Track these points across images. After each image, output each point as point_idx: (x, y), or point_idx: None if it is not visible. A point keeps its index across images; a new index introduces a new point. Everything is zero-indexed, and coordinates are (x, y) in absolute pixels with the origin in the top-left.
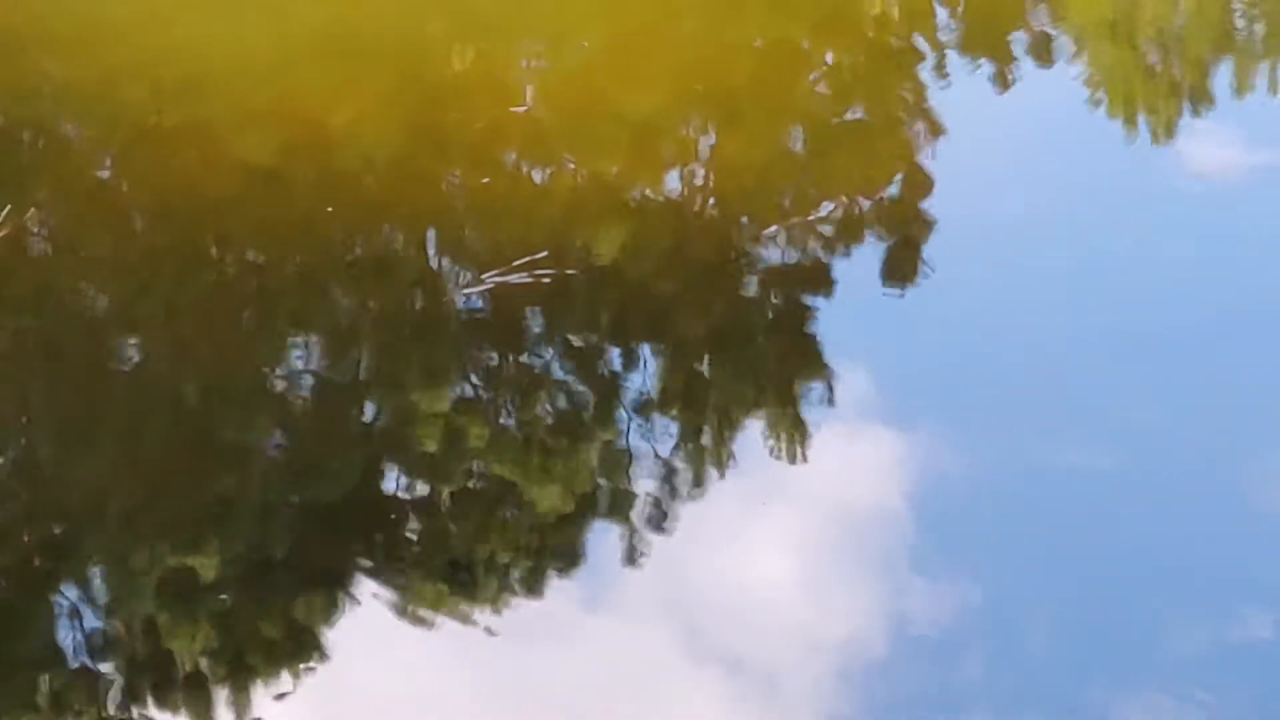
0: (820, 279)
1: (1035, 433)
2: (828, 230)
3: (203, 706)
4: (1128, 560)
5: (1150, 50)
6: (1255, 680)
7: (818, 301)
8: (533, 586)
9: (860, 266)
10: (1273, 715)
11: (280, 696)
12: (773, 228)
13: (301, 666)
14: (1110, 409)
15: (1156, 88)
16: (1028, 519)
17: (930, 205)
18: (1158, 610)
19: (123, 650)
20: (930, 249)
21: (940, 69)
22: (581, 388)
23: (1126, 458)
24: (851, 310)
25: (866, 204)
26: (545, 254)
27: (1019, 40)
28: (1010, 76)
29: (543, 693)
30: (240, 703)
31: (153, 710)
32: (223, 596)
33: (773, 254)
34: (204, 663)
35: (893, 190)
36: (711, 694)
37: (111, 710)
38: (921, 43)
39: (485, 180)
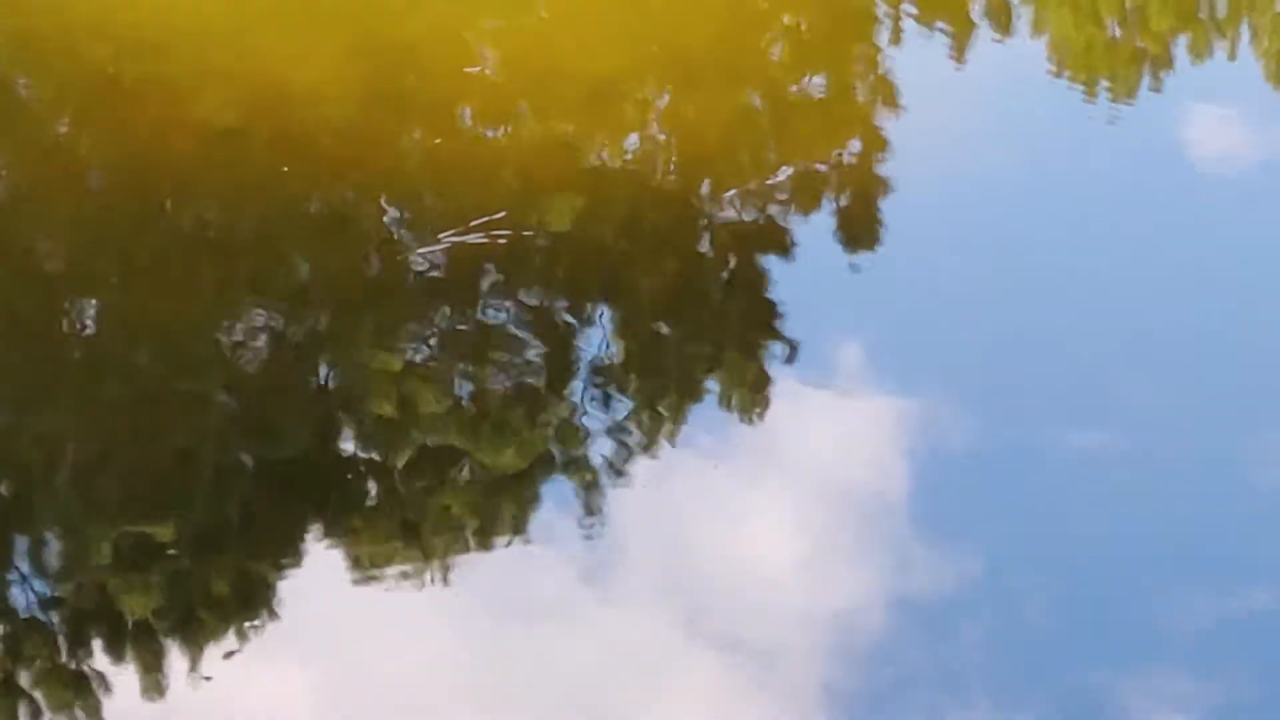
0: (781, 242)
1: (1033, 408)
2: (787, 194)
3: (154, 667)
4: (1128, 537)
5: (1111, 17)
6: (1257, 658)
7: (783, 266)
8: (485, 549)
9: (822, 231)
10: (1274, 692)
11: (229, 655)
12: (733, 190)
13: (254, 628)
14: (1107, 384)
15: (1117, 54)
16: (1027, 495)
17: (897, 170)
18: (1159, 588)
19: (75, 611)
20: (900, 214)
21: (900, 33)
22: (538, 349)
23: (1125, 433)
24: (822, 277)
25: (827, 168)
26: (503, 215)
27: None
28: (970, 42)
29: (496, 652)
30: (192, 663)
31: (103, 669)
32: (175, 557)
33: (732, 216)
34: (155, 623)
35: (855, 154)
36: (700, 672)
37: (64, 668)
38: (883, 6)
39: (442, 141)
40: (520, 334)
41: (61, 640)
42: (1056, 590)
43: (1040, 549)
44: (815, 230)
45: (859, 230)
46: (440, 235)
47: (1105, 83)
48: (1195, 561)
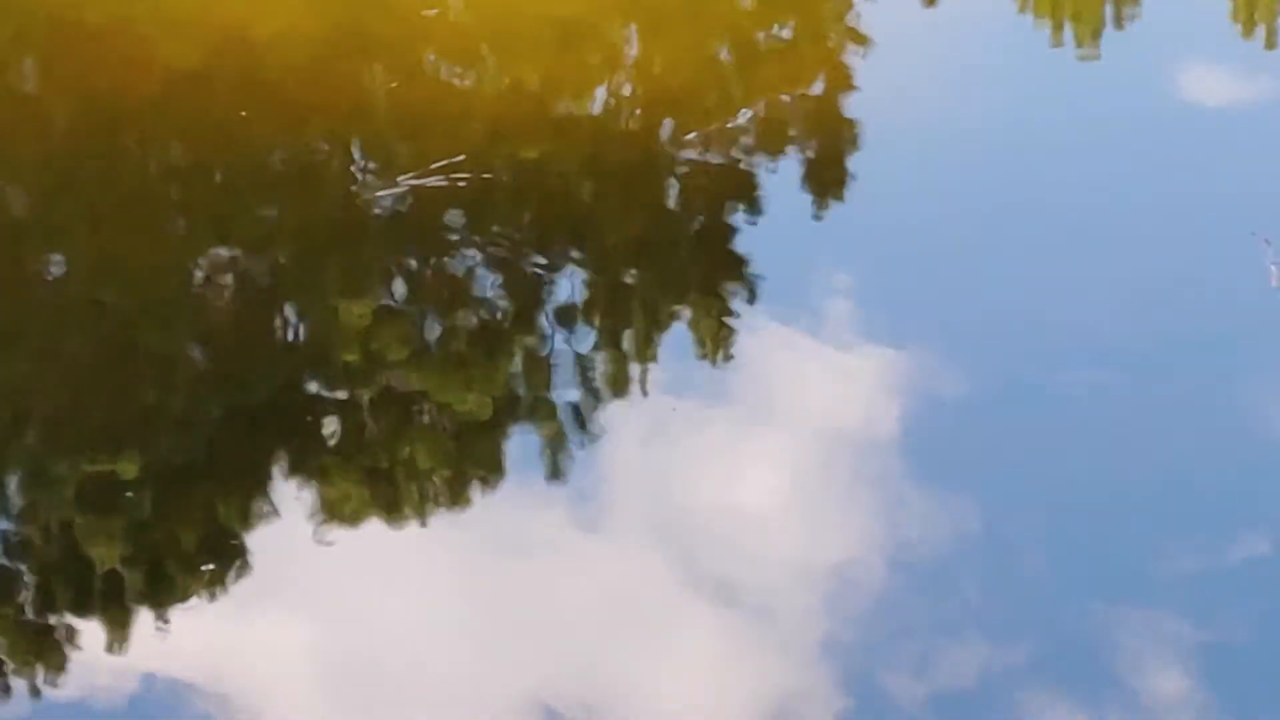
0: (750, 185)
1: (1024, 350)
2: (755, 137)
3: (121, 611)
4: (1122, 481)
5: None
6: (1252, 601)
7: (756, 210)
8: (456, 494)
9: (797, 174)
10: (1269, 636)
11: (211, 601)
12: (696, 133)
13: (223, 572)
14: (1100, 325)
15: None
16: (1019, 438)
17: (875, 110)
18: (1154, 531)
19: (41, 555)
20: (882, 156)
21: None
22: (500, 293)
23: (1118, 375)
24: (804, 220)
25: (797, 109)
26: (463, 158)
27: None
28: None
29: (482, 596)
30: (158, 608)
31: (69, 616)
32: (141, 501)
33: (698, 158)
34: (123, 568)
35: (824, 95)
36: (691, 617)
37: (29, 615)
38: None
39: (403, 84)
40: (491, 277)
41: (26, 588)
42: (1051, 534)
43: (1033, 493)
44: (789, 173)
45: (833, 173)
46: (401, 178)
47: (1072, 23)
48: (1190, 504)
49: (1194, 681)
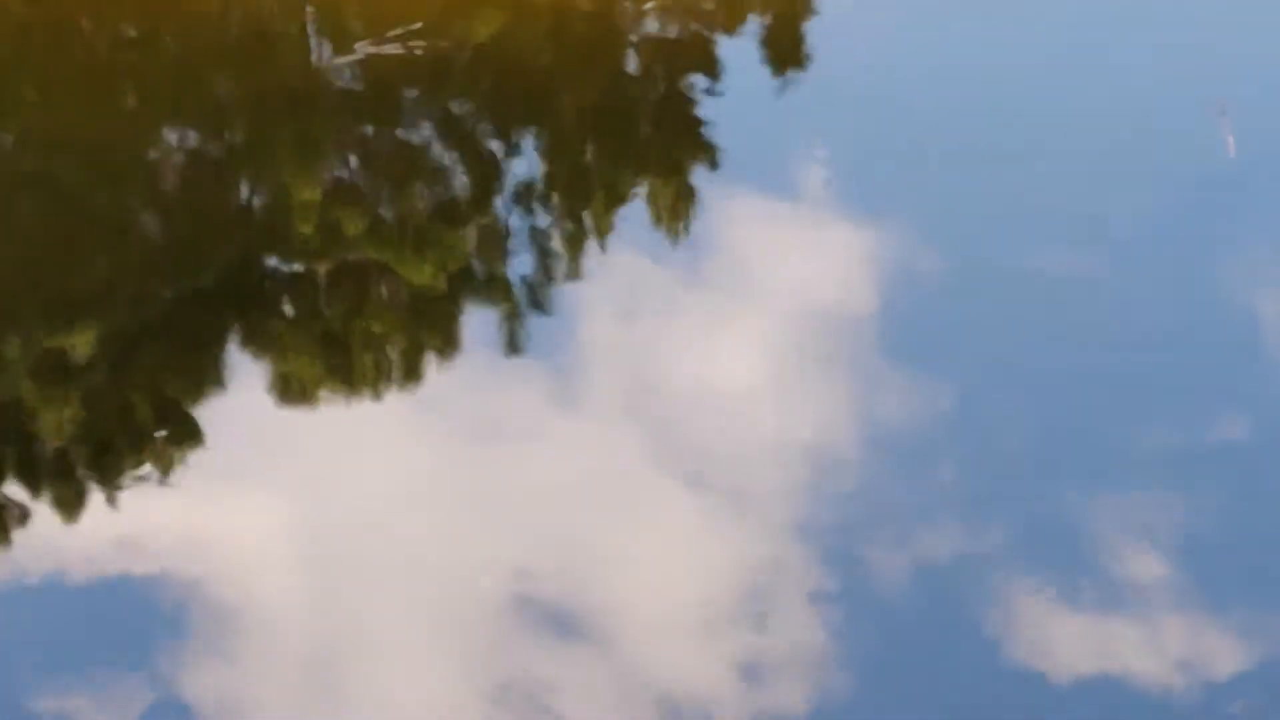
0: (707, 56)
1: (1003, 229)
2: (712, 3)
3: (74, 485)
4: (1098, 361)
5: None
6: (1224, 483)
7: (711, 80)
8: (410, 369)
9: (754, 45)
10: (1240, 517)
11: (188, 479)
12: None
13: (197, 452)
14: (1079, 205)
15: None
16: (995, 319)
17: None
18: (1129, 413)
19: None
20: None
21: None
22: (456, 165)
23: (1097, 256)
24: (783, 94)
25: None
26: (419, 26)
27: None
28: None
29: (455, 472)
30: (110, 483)
31: (18, 492)
32: (96, 376)
33: (662, 29)
34: (75, 443)
35: None
36: (687, 502)
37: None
38: None
39: None
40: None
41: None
42: (1025, 415)
43: (1009, 373)
44: (751, 45)
45: (796, 42)
46: (357, 46)
47: None
48: (1165, 386)
49: (1168, 561)
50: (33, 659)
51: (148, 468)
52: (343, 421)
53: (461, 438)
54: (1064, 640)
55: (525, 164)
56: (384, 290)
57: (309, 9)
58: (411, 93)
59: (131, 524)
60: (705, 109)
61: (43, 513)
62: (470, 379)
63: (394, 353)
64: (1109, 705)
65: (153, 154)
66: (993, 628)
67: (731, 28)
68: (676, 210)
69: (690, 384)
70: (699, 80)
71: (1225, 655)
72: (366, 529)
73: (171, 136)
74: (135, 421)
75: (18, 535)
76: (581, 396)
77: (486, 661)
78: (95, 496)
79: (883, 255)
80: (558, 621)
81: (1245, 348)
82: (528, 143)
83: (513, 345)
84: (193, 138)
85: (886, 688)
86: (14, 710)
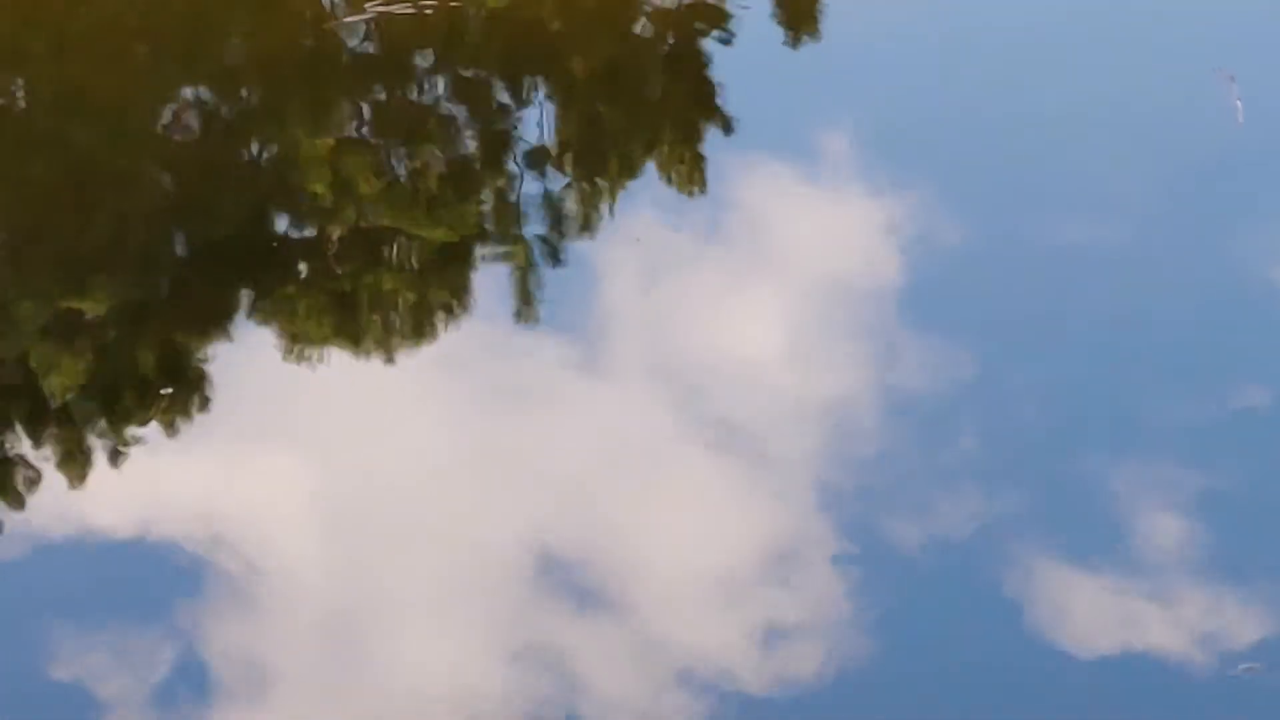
0: (723, 18)
1: (1035, 209)
2: None
3: (82, 445)
4: (1118, 331)
5: None
6: (1246, 453)
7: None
8: (429, 332)
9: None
10: (1263, 486)
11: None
12: None
13: (199, 409)
14: (1105, 179)
15: None
16: (1016, 288)
17: None
18: (1149, 383)
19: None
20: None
21: None
22: (468, 123)
23: (1119, 227)
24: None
25: None
26: None
27: None
28: None
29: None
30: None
31: (27, 448)
32: (108, 333)
33: None
34: (86, 400)
35: None
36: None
37: None
38: None
39: None
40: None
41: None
42: (1046, 384)
43: (1030, 342)
44: (769, 7)
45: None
46: (368, 4)
47: None
48: (1184, 356)
49: (1188, 527)
50: (54, 619)
51: (164, 428)
52: (365, 385)
53: (482, 402)
54: (1085, 608)
55: (538, 124)
56: (400, 252)
57: None
58: (423, 50)
59: (147, 486)
60: (722, 71)
61: (49, 472)
62: (490, 343)
63: (412, 315)
64: (1128, 669)
65: (165, 112)
66: (1013, 592)
67: None
68: (692, 174)
69: (710, 349)
70: (717, 41)
71: (1247, 625)
72: (387, 493)
73: (182, 94)
74: (152, 380)
75: (30, 496)
76: (602, 361)
77: (507, 626)
78: (112, 457)
79: (901, 222)
80: (578, 586)
81: (1264, 316)
82: (540, 103)
83: (532, 310)
84: (203, 96)
85: (907, 654)
86: (37, 672)
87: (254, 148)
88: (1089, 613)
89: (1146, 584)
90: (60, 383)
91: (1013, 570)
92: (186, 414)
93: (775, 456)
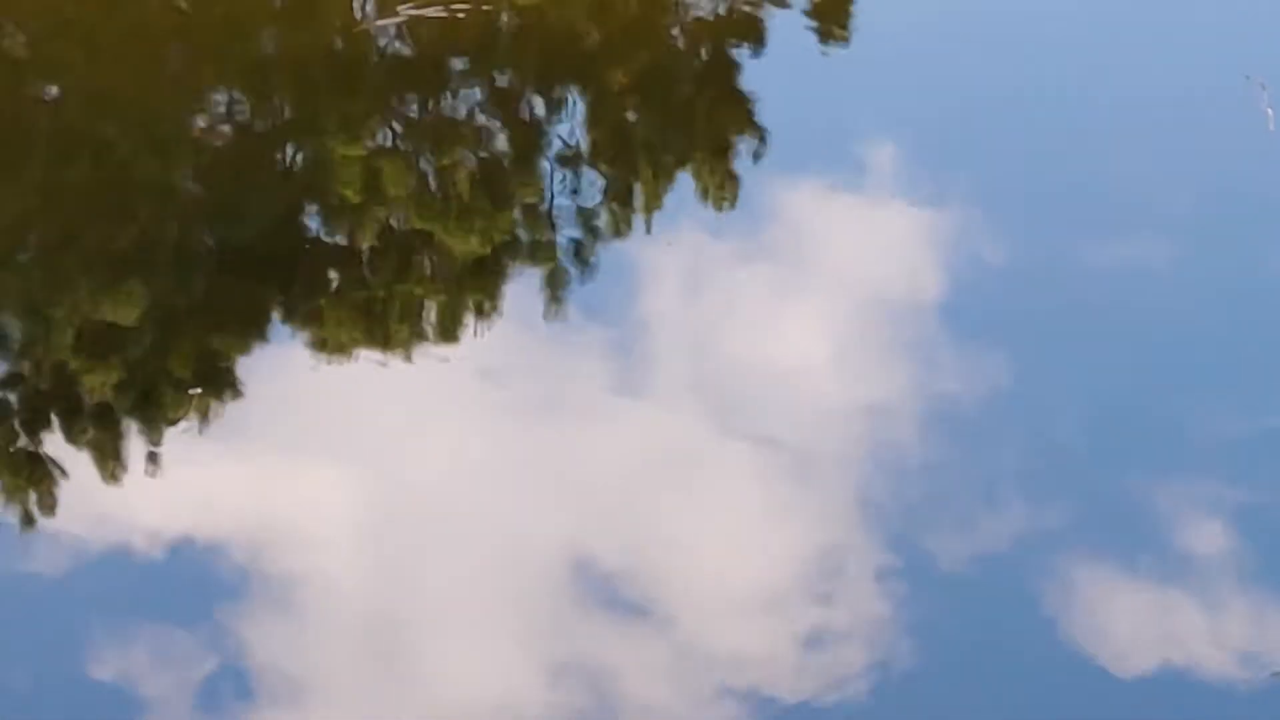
0: (757, 28)
1: (1072, 218)
2: None
3: (115, 445)
4: (1161, 348)
5: None
6: None
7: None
8: (446, 331)
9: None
10: None
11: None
12: None
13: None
14: (1148, 195)
15: None
16: (1062, 304)
17: None
18: (1192, 398)
19: (38, 390)
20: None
21: None
22: (499, 128)
23: (1161, 243)
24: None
25: None
26: None
27: None
28: None
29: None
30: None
31: (60, 449)
32: (141, 337)
33: None
34: (118, 401)
35: None
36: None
37: (22, 446)
38: None
39: None
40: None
41: (24, 423)
42: (1089, 398)
43: (1072, 356)
44: (805, 18)
45: (851, 16)
46: (401, 7)
47: None
48: (1227, 371)
49: (1231, 544)
50: (94, 622)
51: (202, 430)
52: (406, 391)
53: (521, 410)
54: (1126, 619)
55: (570, 131)
56: (433, 259)
57: None
58: (454, 54)
59: (183, 490)
60: (756, 80)
61: (87, 473)
62: (530, 349)
63: (451, 321)
64: (1170, 683)
65: (198, 117)
66: (1053, 605)
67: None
68: (728, 183)
69: (751, 358)
70: (751, 50)
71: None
72: (427, 500)
73: (216, 100)
74: (189, 384)
75: (68, 497)
76: (641, 369)
77: (548, 636)
78: (150, 458)
79: (942, 232)
80: (618, 596)
81: None
82: (572, 109)
83: (571, 317)
84: (234, 99)
85: (947, 666)
86: (75, 672)
87: (286, 151)
88: (1130, 623)
89: (1188, 595)
90: (97, 381)
91: (1053, 582)
92: (236, 419)
93: (816, 466)
